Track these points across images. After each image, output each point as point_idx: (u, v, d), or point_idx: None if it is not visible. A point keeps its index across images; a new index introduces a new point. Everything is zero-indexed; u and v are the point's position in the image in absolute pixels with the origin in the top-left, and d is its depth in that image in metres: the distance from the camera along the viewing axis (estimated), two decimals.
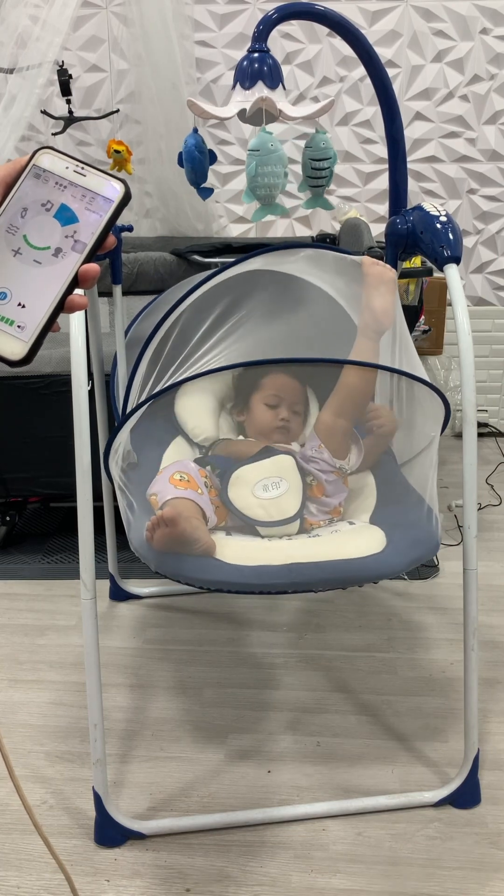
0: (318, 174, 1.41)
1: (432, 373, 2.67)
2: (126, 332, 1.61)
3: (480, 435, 2.78)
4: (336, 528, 1.33)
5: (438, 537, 1.23)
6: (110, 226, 0.60)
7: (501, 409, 2.88)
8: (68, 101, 2.38)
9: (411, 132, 2.53)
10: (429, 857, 1.23)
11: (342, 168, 2.59)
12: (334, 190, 2.63)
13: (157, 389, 1.25)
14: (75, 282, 0.59)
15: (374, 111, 2.52)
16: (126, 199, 0.61)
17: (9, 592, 1.96)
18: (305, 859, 1.22)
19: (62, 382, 1.90)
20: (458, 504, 2.29)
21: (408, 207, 1.40)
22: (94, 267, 0.59)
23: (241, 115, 1.34)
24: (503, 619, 1.82)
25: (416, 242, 1.30)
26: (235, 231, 2.70)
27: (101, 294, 1.78)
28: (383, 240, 1.43)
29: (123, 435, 1.29)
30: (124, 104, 2.53)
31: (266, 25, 1.35)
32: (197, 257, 1.98)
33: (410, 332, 1.41)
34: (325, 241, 2.42)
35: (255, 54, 1.32)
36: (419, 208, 1.29)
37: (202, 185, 1.46)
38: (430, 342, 2.54)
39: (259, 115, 1.33)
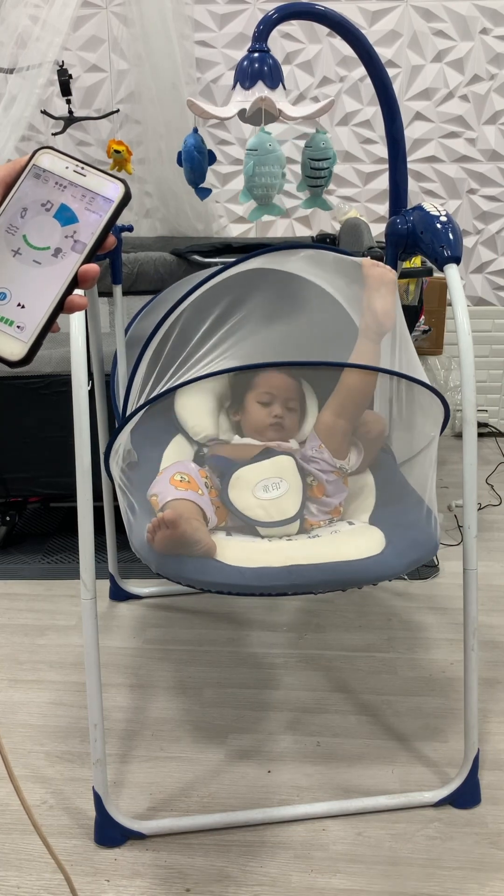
0: (317, 174, 1.41)
1: (432, 373, 2.67)
2: (126, 331, 1.61)
3: (480, 435, 2.78)
4: (336, 529, 1.33)
5: (437, 539, 1.24)
6: (110, 226, 0.60)
7: (501, 409, 2.88)
8: (68, 101, 2.38)
9: (411, 132, 2.53)
10: (429, 857, 1.23)
11: (342, 168, 2.59)
12: (334, 190, 2.63)
13: (157, 392, 1.25)
14: (75, 282, 0.59)
15: (374, 111, 2.52)
16: (126, 199, 0.60)
17: (9, 592, 1.96)
18: (305, 859, 1.22)
19: (62, 382, 1.90)
20: (458, 504, 2.29)
21: (408, 207, 1.40)
22: (93, 267, 0.59)
23: (241, 115, 1.34)
24: (503, 619, 1.82)
25: (416, 242, 1.30)
26: (235, 231, 2.70)
27: (101, 294, 1.78)
28: (383, 240, 1.43)
29: (124, 436, 1.29)
30: (124, 104, 2.53)
31: (266, 25, 1.35)
32: (197, 257, 1.98)
33: (410, 332, 1.41)
34: (325, 241, 2.42)
35: (256, 54, 1.32)
36: (419, 208, 1.29)
37: (200, 186, 1.46)
38: (430, 342, 2.54)
39: (259, 115, 1.33)
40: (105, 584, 1.91)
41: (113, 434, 1.26)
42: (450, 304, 2.27)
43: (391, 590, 1.94)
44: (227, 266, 1.31)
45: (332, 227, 2.62)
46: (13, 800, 1.28)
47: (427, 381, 1.27)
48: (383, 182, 2.37)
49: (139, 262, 1.99)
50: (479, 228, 2.67)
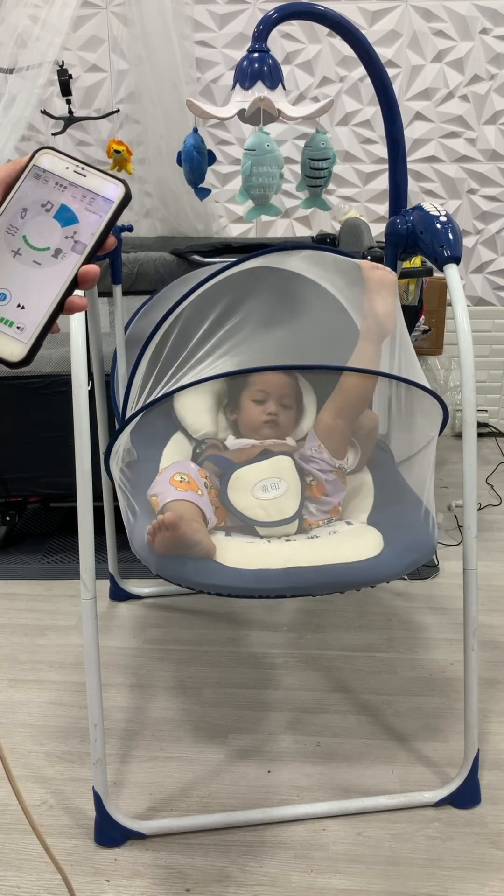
0: (317, 174, 1.41)
1: (432, 373, 2.67)
2: (125, 329, 1.61)
3: (480, 435, 2.78)
4: (334, 529, 1.33)
5: (435, 541, 1.24)
6: (110, 227, 0.60)
7: (501, 409, 2.88)
8: (68, 101, 2.38)
9: (411, 132, 2.53)
10: (429, 857, 1.23)
11: (342, 168, 2.59)
12: (334, 190, 2.63)
13: (156, 396, 1.25)
14: (75, 283, 0.59)
15: (374, 111, 2.52)
16: (126, 199, 0.60)
17: (9, 592, 1.96)
18: (305, 859, 1.22)
19: (62, 382, 1.90)
20: (458, 504, 2.30)
21: (408, 207, 1.40)
22: (93, 268, 0.59)
23: (241, 115, 1.34)
24: (503, 619, 1.82)
25: (416, 242, 1.30)
26: (235, 231, 2.70)
27: (101, 294, 1.78)
28: (383, 240, 1.43)
29: (123, 438, 1.29)
30: (124, 104, 2.53)
31: (266, 25, 1.35)
32: (197, 257, 1.98)
33: (410, 332, 1.41)
34: (325, 241, 2.42)
35: (255, 54, 1.32)
36: (419, 208, 1.29)
37: (200, 186, 1.46)
38: (430, 342, 2.54)
39: (258, 116, 1.33)
40: (105, 584, 1.91)
41: (113, 435, 1.26)
42: (450, 304, 2.27)
43: (391, 590, 1.94)
44: (227, 266, 1.31)
45: (332, 227, 2.62)
46: (13, 800, 1.28)
47: (425, 381, 1.27)
48: (383, 182, 2.37)
49: (139, 262, 1.99)
50: (479, 228, 2.67)
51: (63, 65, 2.30)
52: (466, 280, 2.73)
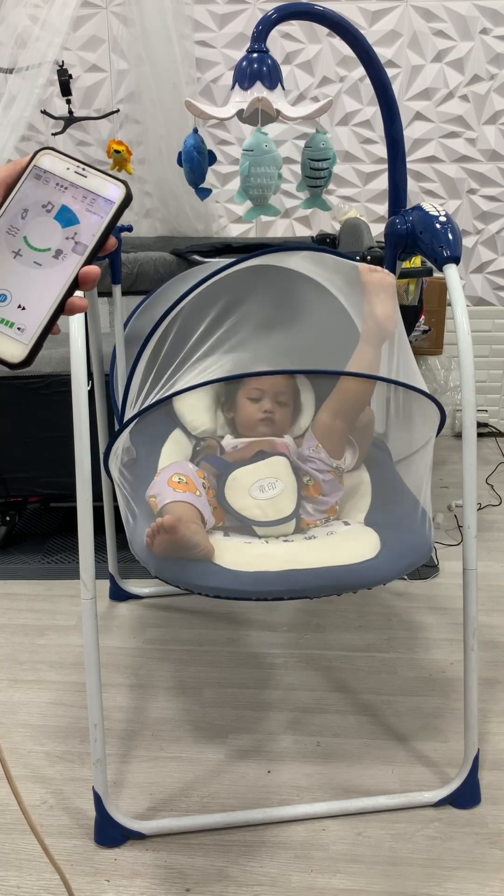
0: (316, 174, 1.41)
1: (432, 373, 2.67)
2: (124, 326, 1.61)
3: (480, 435, 2.78)
4: (331, 529, 1.33)
5: (431, 542, 1.24)
6: (111, 227, 0.60)
7: (501, 409, 2.88)
8: (68, 101, 2.38)
9: (411, 132, 2.53)
10: (429, 857, 1.23)
11: (342, 168, 2.59)
12: (334, 190, 2.63)
13: (156, 397, 1.25)
14: (76, 284, 0.59)
15: (374, 111, 2.52)
16: (127, 200, 0.60)
17: (9, 592, 1.96)
18: (305, 859, 1.22)
19: (62, 382, 1.90)
20: (458, 504, 2.30)
21: (407, 207, 1.40)
22: (94, 269, 0.59)
23: (240, 115, 1.34)
24: (503, 619, 1.82)
25: (416, 242, 1.30)
26: (235, 231, 2.70)
27: (100, 294, 1.78)
28: (383, 240, 1.43)
29: (123, 438, 1.29)
30: (124, 104, 2.53)
31: (265, 25, 1.35)
32: (197, 257, 1.98)
33: (410, 332, 1.41)
34: (324, 241, 2.42)
35: (255, 54, 1.32)
36: (418, 208, 1.29)
37: (200, 186, 1.46)
38: (430, 342, 2.54)
39: (257, 116, 1.33)
40: (105, 584, 1.91)
41: (112, 436, 1.26)
42: (449, 305, 2.27)
43: (391, 590, 1.94)
44: (226, 266, 1.31)
45: (332, 227, 2.62)
46: (13, 800, 1.27)
47: (423, 383, 1.27)
48: (383, 182, 2.36)
49: (139, 262, 1.98)
50: (479, 228, 2.67)
51: (63, 65, 2.30)
52: (466, 280, 2.74)
